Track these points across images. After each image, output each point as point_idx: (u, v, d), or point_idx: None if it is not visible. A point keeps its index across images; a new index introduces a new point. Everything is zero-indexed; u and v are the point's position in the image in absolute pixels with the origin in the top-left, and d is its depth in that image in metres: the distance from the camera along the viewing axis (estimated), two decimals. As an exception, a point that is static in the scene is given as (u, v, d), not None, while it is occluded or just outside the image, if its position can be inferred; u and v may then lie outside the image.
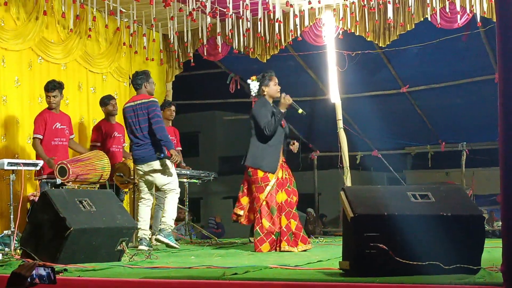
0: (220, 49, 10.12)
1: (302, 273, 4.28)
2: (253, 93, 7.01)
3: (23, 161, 6.90)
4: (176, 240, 8.48)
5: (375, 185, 4.54)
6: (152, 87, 7.37)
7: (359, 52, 10.36)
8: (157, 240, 7.11)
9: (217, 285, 3.93)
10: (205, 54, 10.26)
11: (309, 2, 9.21)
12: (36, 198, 6.83)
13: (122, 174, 7.85)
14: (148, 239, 7.12)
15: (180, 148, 9.07)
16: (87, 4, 8.62)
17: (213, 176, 9.24)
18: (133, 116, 7.12)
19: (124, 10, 9.13)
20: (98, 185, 7.64)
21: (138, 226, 7.00)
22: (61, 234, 5.02)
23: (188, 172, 8.79)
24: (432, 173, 18.14)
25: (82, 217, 5.23)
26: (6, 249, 6.34)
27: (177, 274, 4.28)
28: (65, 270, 4.49)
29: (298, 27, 9.59)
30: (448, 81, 11.43)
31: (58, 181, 7.23)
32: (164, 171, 7.14)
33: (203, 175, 9.13)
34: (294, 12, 9.40)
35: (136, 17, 9.18)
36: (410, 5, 9.00)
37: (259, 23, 9.51)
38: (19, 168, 6.60)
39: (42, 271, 2.93)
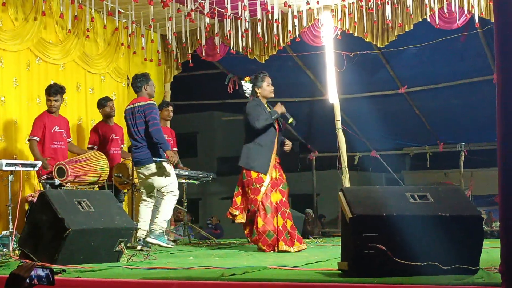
0: (218, 50, 10.12)
1: (301, 274, 4.28)
2: (247, 94, 7.06)
3: (22, 161, 6.89)
4: (174, 241, 8.49)
5: (373, 186, 4.55)
6: (152, 89, 7.37)
7: (358, 52, 10.37)
8: (147, 242, 7.06)
9: (216, 286, 3.93)
10: (204, 54, 10.25)
11: (307, 3, 9.21)
12: (35, 199, 6.82)
13: (120, 175, 7.84)
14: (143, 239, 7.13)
15: (176, 149, 9.06)
16: (85, 4, 8.61)
17: (211, 176, 9.24)
18: (132, 119, 7.15)
19: (122, 11, 9.12)
20: (96, 186, 7.64)
21: (138, 226, 7.02)
22: (60, 234, 5.02)
23: (186, 172, 8.79)
24: (431, 173, 18.16)
25: (81, 217, 5.23)
26: (5, 250, 6.32)
27: (175, 275, 4.28)
28: (64, 271, 4.49)
29: (296, 27, 9.59)
30: (446, 82, 11.44)
31: (57, 181, 7.23)
32: (162, 173, 7.13)
33: (201, 175, 9.12)
34: (292, 12, 9.39)
35: (134, 18, 9.18)
36: (408, 5, 9.00)
37: (257, 23, 9.51)
38: (17, 169, 6.59)
39: (40, 272, 2.93)
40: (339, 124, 10.27)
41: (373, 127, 12.31)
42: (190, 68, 10.60)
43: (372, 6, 9.27)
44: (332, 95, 10.36)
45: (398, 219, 3.85)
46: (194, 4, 8.69)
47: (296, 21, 9.52)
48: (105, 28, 9.31)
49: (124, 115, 7.34)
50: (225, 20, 9.45)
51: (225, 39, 9.96)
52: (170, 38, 9.89)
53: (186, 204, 9.13)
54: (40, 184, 7.53)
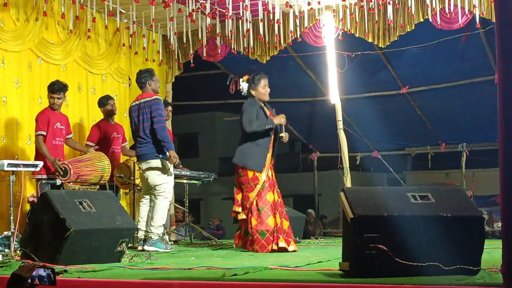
0: (219, 50, 10.12)
1: (302, 274, 4.28)
2: (243, 93, 7.08)
3: (23, 162, 6.89)
4: (175, 241, 8.49)
5: (375, 186, 4.55)
6: (157, 85, 7.37)
7: (359, 53, 10.37)
8: (144, 250, 7.01)
9: (217, 286, 3.93)
10: (205, 55, 10.25)
11: (309, 3, 9.21)
12: (36, 199, 6.82)
13: (122, 175, 7.84)
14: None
15: None
16: (87, 5, 8.62)
17: (213, 177, 9.24)
18: (138, 115, 7.13)
19: (123, 11, 9.12)
20: (98, 186, 7.64)
21: (139, 226, 7.01)
22: (61, 235, 5.03)
23: (188, 173, 8.79)
24: (432, 174, 18.18)
25: (82, 218, 5.23)
26: (6, 250, 6.33)
27: (177, 275, 4.28)
28: (65, 271, 4.49)
29: (298, 28, 9.59)
30: (448, 82, 11.43)
31: (58, 181, 7.23)
32: (160, 171, 7.07)
33: (203, 176, 9.12)
34: (293, 13, 9.39)
35: (136, 18, 9.18)
36: (409, 6, 9.00)
37: (259, 24, 9.51)
38: (19, 169, 6.59)
39: (42, 272, 2.93)
40: (340, 125, 10.27)
41: (374, 128, 12.31)
42: (192, 68, 10.60)
43: (373, 7, 9.27)
44: (334, 96, 10.37)
45: (399, 219, 3.85)
46: (196, 5, 8.68)
47: (297, 21, 9.52)
48: (106, 28, 9.31)
49: (129, 111, 7.34)
50: (226, 20, 9.44)
51: (226, 40, 9.97)
52: (172, 38, 9.89)
53: (187, 204, 9.13)
54: (34, 181, 7.47)
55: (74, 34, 8.84)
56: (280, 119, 6.88)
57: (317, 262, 5.19)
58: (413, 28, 9.19)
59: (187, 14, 8.95)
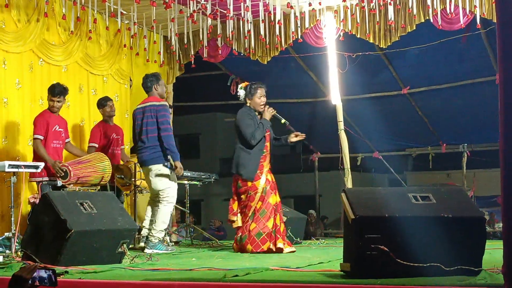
0: (220, 51, 10.12)
1: (303, 275, 4.28)
2: (240, 100, 7.13)
3: (24, 163, 6.89)
4: (176, 242, 8.50)
5: (376, 187, 4.55)
6: (163, 89, 7.37)
7: (360, 53, 10.37)
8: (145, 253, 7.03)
9: (218, 287, 3.93)
10: (206, 55, 10.25)
11: (310, 4, 9.21)
12: (37, 200, 6.82)
13: (123, 176, 7.84)
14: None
15: None
16: (88, 6, 8.62)
17: (214, 178, 9.24)
18: (142, 118, 7.10)
19: (124, 12, 9.12)
20: (98, 187, 7.63)
21: (143, 224, 7.13)
22: (62, 236, 5.03)
23: (189, 174, 8.79)
24: (433, 174, 18.17)
25: (83, 219, 5.23)
26: (7, 251, 6.33)
27: (178, 276, 4.28)
28: (66, 272, 4.49)
29: (298, 28, 9.59)
30: (449, 83, 11.44)
31: (59, 183, 7.22)
32: (164, 177, 7.06)
33: (203, 177, 9.12)
34: (294, 13, 9.39)
35: (137, 19, 9.19)
36: (410, 6, 9.00)
37: (260, 25, 9.51)
38: (20, 170, 6.59)
39: (43, 273, 2.93)
40: (341, 125, 10.27)
41: (375, 128, 12.32)
42: (193, 69, 10.60)
43: (374, 7, 9.27)
44: (335, 96, 10.36)
45: (400, 220, 3.85)
46: (197, 6, 8.69)
47: (298, 22, 9.52)
48: (107, 29, 9.31)
49: (133, 115, 7.33)
50: (227, 21, 9.45)
51: (227, 40, 9.97)
52: (173, 39, 9.89)
53: (188, 205, 9.13)
54: (35, 183, 7.47)
55: (75, 35, 8.84)
56: (270, 112, 6.95)
57: (318, 263, 5.19)
58: (414, 28, 9.19)
59: (188, 15, 8.96)
